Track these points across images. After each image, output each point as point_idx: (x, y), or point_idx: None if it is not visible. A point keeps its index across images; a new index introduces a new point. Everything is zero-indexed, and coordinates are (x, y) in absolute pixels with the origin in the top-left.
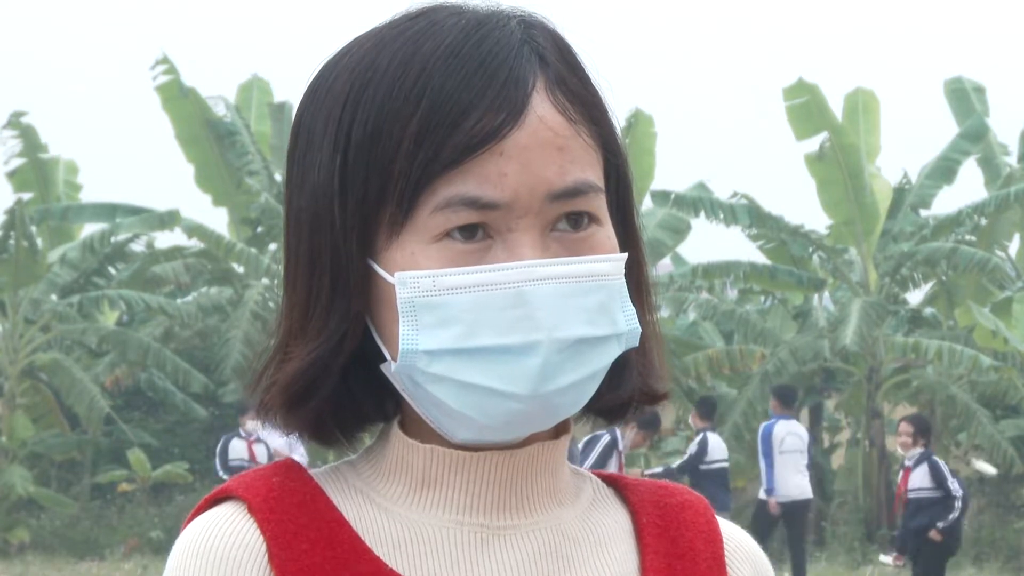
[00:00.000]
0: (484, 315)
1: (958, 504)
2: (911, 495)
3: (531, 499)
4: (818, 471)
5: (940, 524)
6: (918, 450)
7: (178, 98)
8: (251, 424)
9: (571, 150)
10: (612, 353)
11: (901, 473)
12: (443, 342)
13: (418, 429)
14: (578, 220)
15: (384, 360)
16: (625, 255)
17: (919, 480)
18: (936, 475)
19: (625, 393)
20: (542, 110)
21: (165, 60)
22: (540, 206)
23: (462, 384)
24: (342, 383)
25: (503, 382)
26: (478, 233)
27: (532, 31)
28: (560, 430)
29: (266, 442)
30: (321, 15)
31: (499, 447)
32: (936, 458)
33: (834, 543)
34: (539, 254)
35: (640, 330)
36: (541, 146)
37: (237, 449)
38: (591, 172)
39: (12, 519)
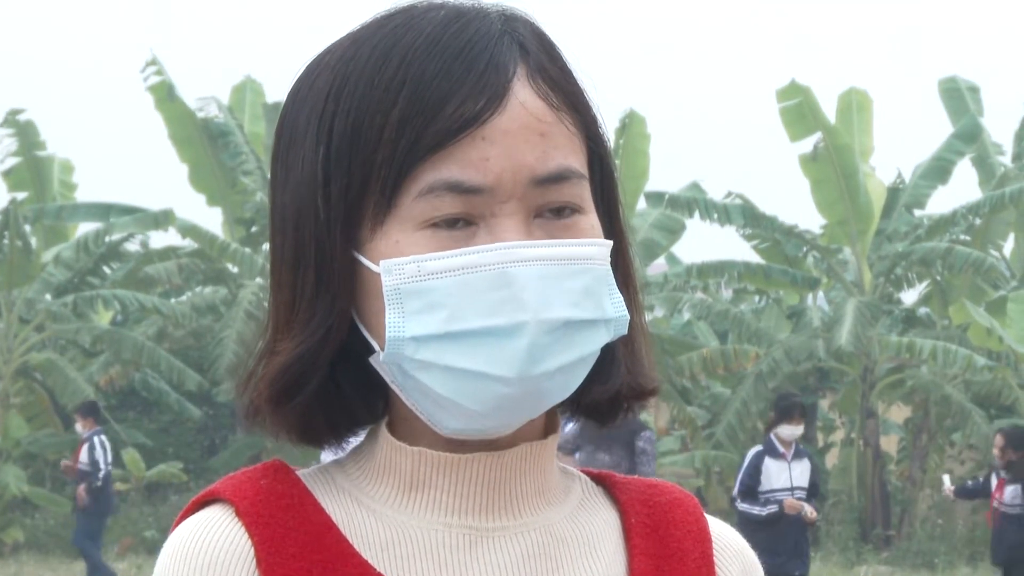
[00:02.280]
0: (469, 298)
1: None
2: (1004, 509)
3: (519, 500)
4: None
5: None
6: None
7: (168, 100)
8: (80, 426)
9: (553, 136)
10: (600, 339)
11: (995, 481)
12: (429, 327)
13: (406, 430)
14: (561, 209)
15: (372, 352)
16: (611, 242)
17: (1012, 496)
18: None
19: (613, 388)
20: (523, 96)
21: (154, 62)
22: (523, 191)
23: (449, 369)
24: (330, 380)
25: (490, 365)
26: (462, 220)
27: (513, 23)
28: (548, 430)
29: (100, 445)
30: (314, 16)
31: (487, 448)
32: None
33: (828, 542)
34: (523, 238)
35: (628, 317)
36: (523, 131)
37: None
38: (574, 159)
39: (6, 519)
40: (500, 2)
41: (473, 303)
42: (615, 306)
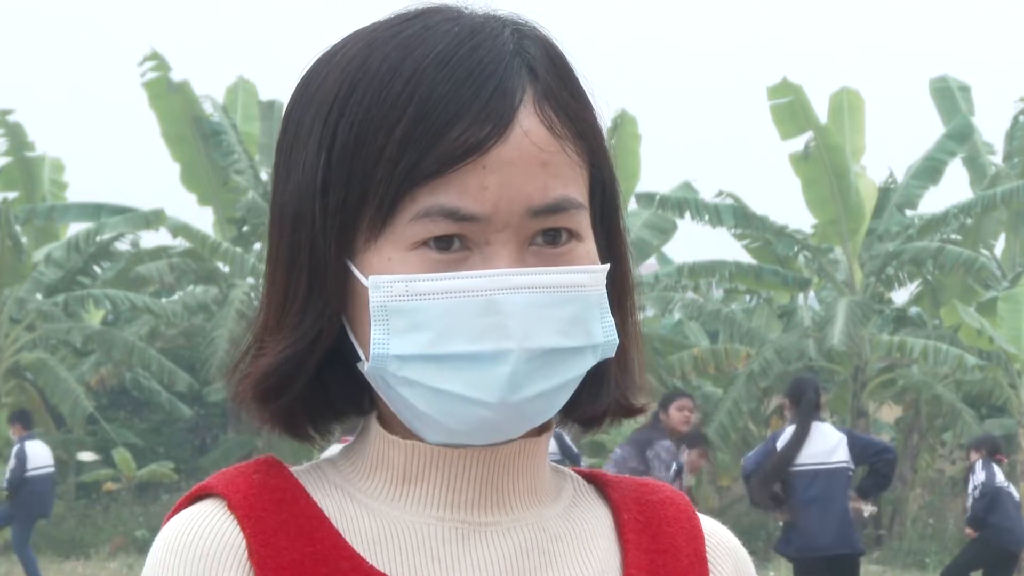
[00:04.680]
0: (455, 322)
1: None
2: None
3: (512, 496)
4: None
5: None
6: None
7: (165, 95)
8: (11, 433)
9: (555, 166)
10: (585, 364)
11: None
12: (414, 347)
13: (398, 424)
14: (556, 236)
15: (360, 358)
16: (606, 266)
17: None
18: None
19: (601, 405)
20: (528, 124)
21: (155, 56)
22: (520, 221)
23: (432, 389)
24: (315, 379)
25: (472, 389)
26: (455, 244)
27: (525, 41)
28: (542, 428)
29: (16, 454)
30: (309, 16)
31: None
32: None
33: None
34: (515, 266)
35: (617, 341)
36: (524, 161)
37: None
38: (573, 188)
39: None
40: (515, 11)
41: (459, 328)
42: (605, 331)
